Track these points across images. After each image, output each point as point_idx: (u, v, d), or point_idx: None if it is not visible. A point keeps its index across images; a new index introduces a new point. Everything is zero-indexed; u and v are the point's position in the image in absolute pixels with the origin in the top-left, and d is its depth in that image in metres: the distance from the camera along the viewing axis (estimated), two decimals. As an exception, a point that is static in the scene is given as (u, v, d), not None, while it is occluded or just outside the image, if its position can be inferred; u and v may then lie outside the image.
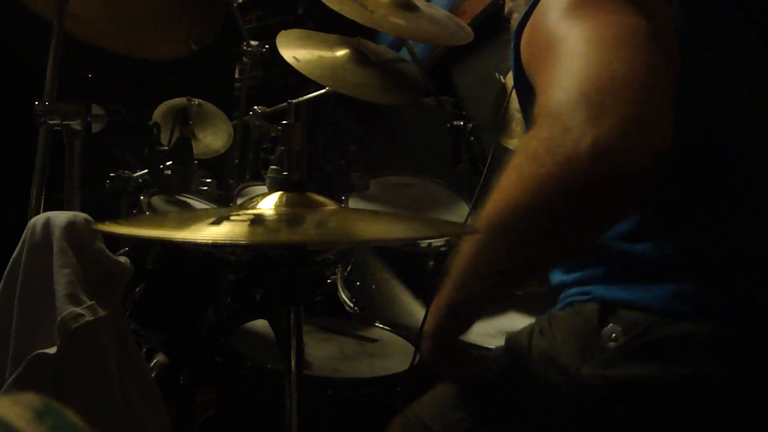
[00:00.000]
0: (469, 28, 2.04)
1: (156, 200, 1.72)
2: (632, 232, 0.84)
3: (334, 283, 1.72)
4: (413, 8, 1.91)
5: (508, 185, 0.76)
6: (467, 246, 0.83)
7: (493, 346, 1.39)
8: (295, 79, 1.95)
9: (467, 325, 0.93)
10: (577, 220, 0.72)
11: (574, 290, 0.89)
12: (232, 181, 2.31)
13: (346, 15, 1.75)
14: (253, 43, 2.48)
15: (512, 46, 0.90)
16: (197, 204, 1.81)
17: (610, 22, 0.75)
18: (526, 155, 0.74)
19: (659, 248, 0.82)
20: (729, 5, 0.92)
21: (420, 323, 0.97)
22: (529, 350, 0.88)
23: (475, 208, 1.21)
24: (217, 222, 0.78)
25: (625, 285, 0.83)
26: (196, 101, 2.28)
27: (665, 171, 0.81)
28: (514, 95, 1.06)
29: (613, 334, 0.79)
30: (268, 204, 0.89)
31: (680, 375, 0.77)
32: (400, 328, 1.58)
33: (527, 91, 0.84)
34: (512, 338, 0.95)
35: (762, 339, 0.78)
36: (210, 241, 0.85)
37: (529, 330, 0.92)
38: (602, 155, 0.67)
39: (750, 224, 0.84)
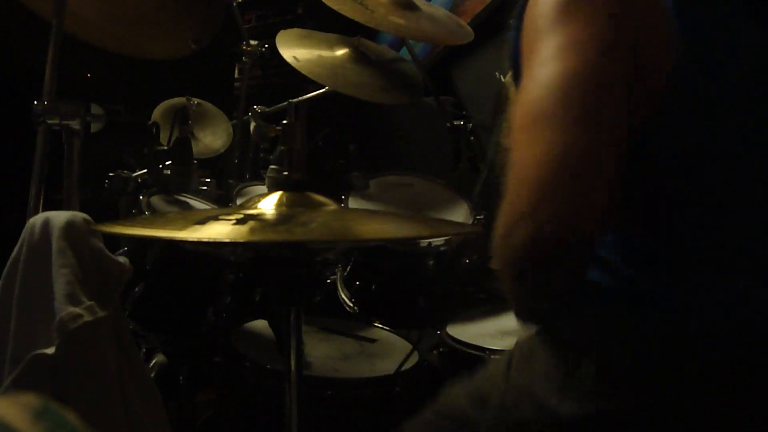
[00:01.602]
0: (469, 28, 2.04)
1: (155, 200, 1.71)
2: (608, 260, 0.84)
3: (334, 283, 1.72)
4: (413, 7, 1.91)
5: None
6: None
7: (496, 347, 1.39)
8: (294, 79, 1.95)
9: None
10: (524, 285, 0.79)
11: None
12: (231, 181, 2.31)
13: (346, 14, 1.74)
14: (252, 42, 2.48)
15: (513, 27, 0.90)
16: (196, 204, 1.80)
17: (565, 67, 0.78)
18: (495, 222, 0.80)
19: (630, 276, 0.83)
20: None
21: None
22: (508, 381, 0.88)
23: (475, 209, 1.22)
24: (202, 222, 0.78)
25: (596, 316, 0.83)
26: (196, 101, 2.28)
27: (662, 173, 0.81)
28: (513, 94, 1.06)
29: (590, 367, 0.79)
30: (268, 204, 0.89)
31: (658, 402, 0.77)
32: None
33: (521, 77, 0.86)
34: (493, 362, 0.95)
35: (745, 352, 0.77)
36: (195, 239, 0.84)
37: (510, 355, 0.91)
38: (537, 242, 0.74)
39: (749, 227, 0.83)
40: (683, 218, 0.84)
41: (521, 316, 0.86)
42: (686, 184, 0.84)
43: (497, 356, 1.36)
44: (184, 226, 0.80)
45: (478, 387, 0.93)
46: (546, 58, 0.80)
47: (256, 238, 0.77)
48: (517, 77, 0.90)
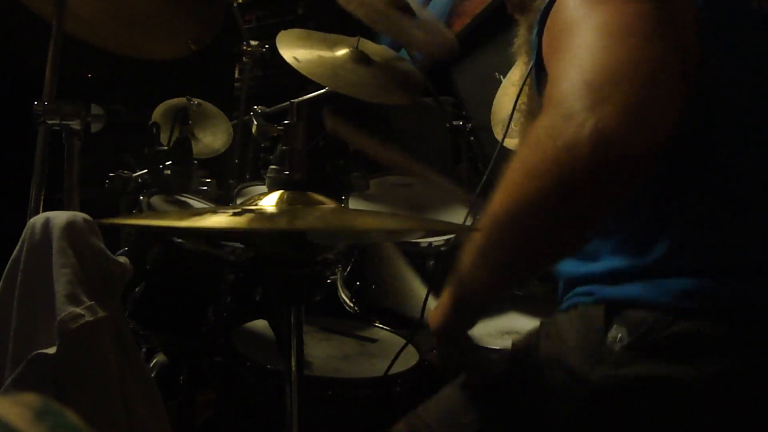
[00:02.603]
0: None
1: (155, 200, 1.72)
2: (640, 229, 0.84)
3: (334, 283, 1.72)
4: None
5: (512, 176, 0.76)
6: (474, 241, 0.83)
7: (495, 346, 1.39)
8: (295, 79, 1.95)
9: (473, 320, 0.94)
10: (577, 206, 0.73)
11: (579, 289, 0.89)
12: (232, 181, 2.31)
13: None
14: (253, 43, 2.48)
15: (535, 32, 0.90)
16: (197, 204, 1.81)
17: (624, 11, 0.76)
18: (530, 144, 0.74)
19: (667, 244, 0.82)
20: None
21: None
22: (537, 354, 0.88)
23: (474, 207, 1.21)
24: (200, 213, 0.78)
25: (631, 282, 0.82)
26: (196, 101, 2.28)
27: (677, 163, 0.81)
28: (513, 94, 1.06)
29: (619, 335, 0.80)
30: (268, 203, 0.89)
31: (686, 373, 0.77)
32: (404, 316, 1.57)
33: (543, 80, 0.85)
34: (519, 341, 0.95)
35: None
36: (193, 228, 0.84)
37: (536, 333, 0.91)
38: (602, 141, 0.68)
39: (762, 220, 0.83)
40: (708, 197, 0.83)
41: (550, 248, 0.79)
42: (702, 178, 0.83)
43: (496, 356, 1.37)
44: (181, 218, 0.81)
45: (505, 361, 0.94)
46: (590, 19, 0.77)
47: (253, 225, 0.77)
48: (539, 80, 0.89)
